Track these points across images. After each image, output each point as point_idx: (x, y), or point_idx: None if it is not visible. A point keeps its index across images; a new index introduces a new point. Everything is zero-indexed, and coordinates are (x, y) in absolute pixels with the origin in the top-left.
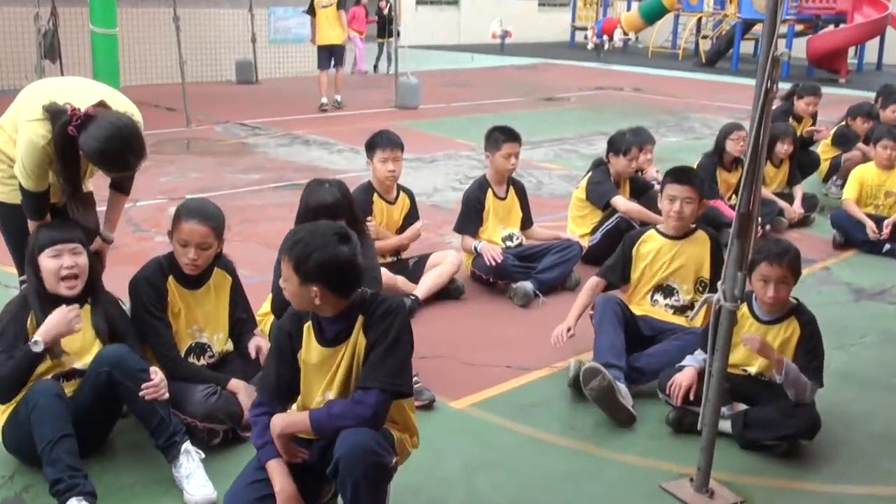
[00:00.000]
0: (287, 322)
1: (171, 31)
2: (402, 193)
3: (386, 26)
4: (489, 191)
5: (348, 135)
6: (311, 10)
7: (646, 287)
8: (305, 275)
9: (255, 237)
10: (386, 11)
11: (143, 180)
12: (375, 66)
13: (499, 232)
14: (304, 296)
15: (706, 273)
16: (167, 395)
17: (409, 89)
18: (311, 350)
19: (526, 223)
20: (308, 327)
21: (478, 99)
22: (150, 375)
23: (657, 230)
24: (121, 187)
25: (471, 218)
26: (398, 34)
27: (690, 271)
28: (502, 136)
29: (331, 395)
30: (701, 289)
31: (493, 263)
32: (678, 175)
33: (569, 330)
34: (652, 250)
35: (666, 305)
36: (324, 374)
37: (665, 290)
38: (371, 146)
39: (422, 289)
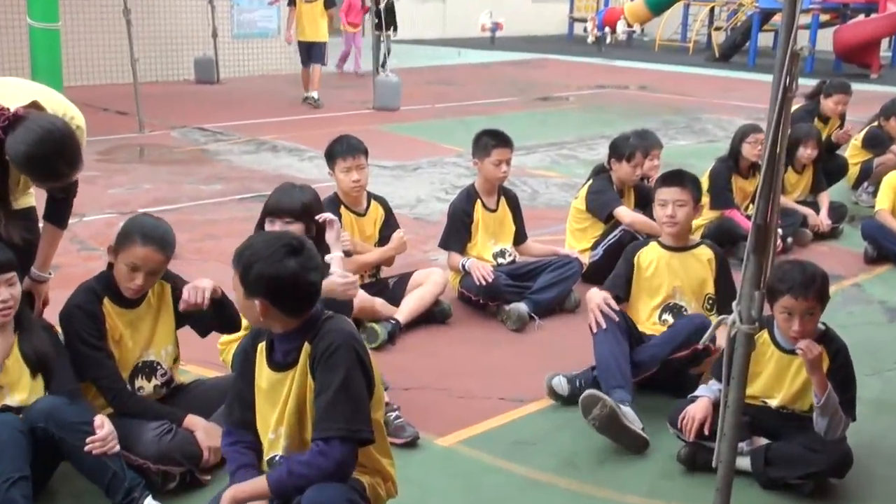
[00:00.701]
0: (245, 340)
1: (121, 25)
2: (373, 203)
3: (383, 18)
4: (478, 202)
5: (321, 140)
6: (292, 1)
7: (650, 304)
8: (248, 287)
9: (217, 255)
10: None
11: (91, 192)
12: (383, 64)
13: (489, 248)
14: (249, 309)
15: (712, 290)
16: (117, 448)
17: (388, 89)
18: (262, 373)
19: (519, 238)
20: (262, 347)
21: (465, 99)
22: (95, 428)
23: (658, 242)
24: (57, 215)
25: (458, 232)
26: (395, 28)
27: (695, 287)
28: (492, 141)
29: (283, 432)
30: (709, 306)
31: (484, 283)
32: (668, 178)
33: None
34: (652, 262)
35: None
36: (274, 403)
37: (673, 309)
38: (330, 155)
39: (403, 312)
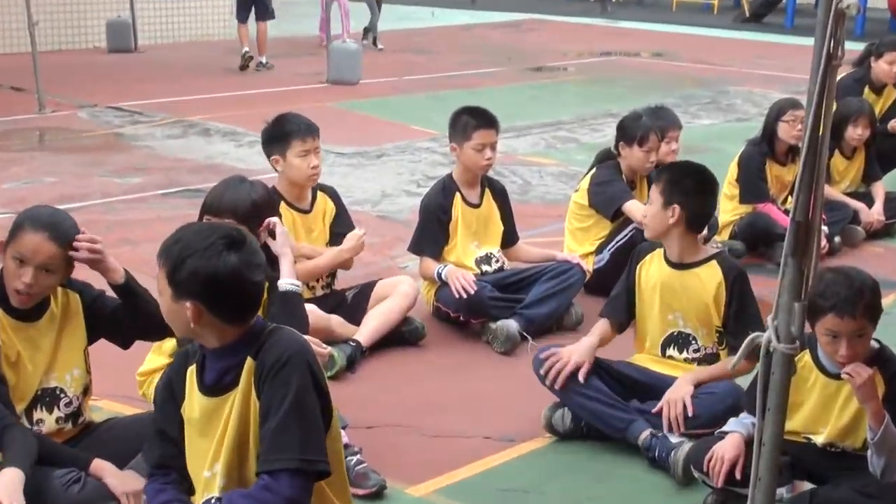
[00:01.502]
0: (171, 367)
1: None
2: (319, 196)
3: None
4: (457, 196)
5: (263, 121)
6: None
7: (653, 334)
8: (178, 287)
9: (136, 263)
10: None
11: None
12: (368, 34)
13: (471, 252)
14: (178, 315)
15: (716, 319)
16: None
17: (345, 58)
18: (193, 401)
19: (508, 239)
20: (191, 372)
21: (441, 70)
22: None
23: (665, 255)
24: None
25: (432, 233)
26: None
27: (702, 313)
28: (474, 121)
29: (220, 469)
30: (719, 340)
31: (464, 295)
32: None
33: (577, 367)
34: (652, 278)
35: (686, 360)
36: (209, 435)
37: (679, 340)
38: (279, 136)
39: (366, 331)
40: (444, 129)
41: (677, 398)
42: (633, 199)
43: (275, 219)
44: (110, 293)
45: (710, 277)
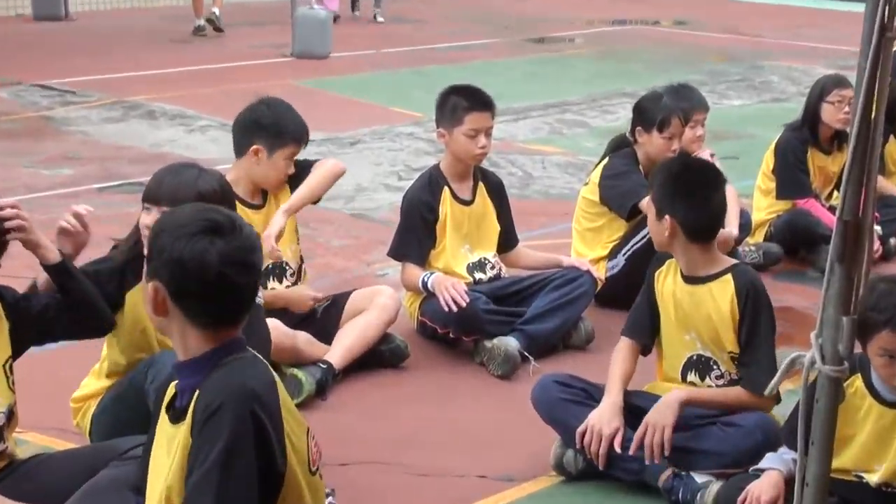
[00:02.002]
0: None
1: None
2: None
3: None
4: (446, 191)
5: (218, 102)
6: None
7: (672, 357)
8: (149, 262)
9: None
10: None
11: None
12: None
13: (462, 257)
14: (146, 298)
15: (731, 343)
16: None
17: (312, 27)
18: (162, 423)
19: (506, 242)
20: (174, 385)
21: (426, 41)
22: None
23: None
24: None
25: (416, 235)
26: None
27: (714, 334)
28: (465, 103)
29: None
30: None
31: (455, 308)
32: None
33: (617, 430)
34: (668, 291)
35: (709, 388)
36: (159, 473)
37: (699, 365)
38: (277, 133)
39: (338, 351)
40: (430, 111)
41: (659, 423)
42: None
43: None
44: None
45: (722, 294)
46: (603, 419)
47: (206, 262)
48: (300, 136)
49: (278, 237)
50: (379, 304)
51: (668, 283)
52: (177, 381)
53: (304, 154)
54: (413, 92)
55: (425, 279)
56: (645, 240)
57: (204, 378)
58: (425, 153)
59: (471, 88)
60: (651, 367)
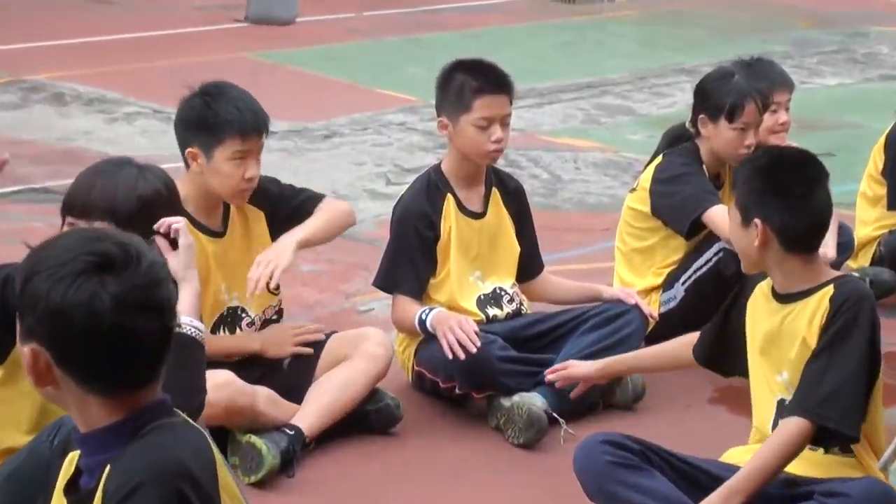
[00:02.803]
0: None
1: None
2: (247, 209)
3: None
4: (449, 200)
5: (149, 81)
6: None
7: (763, 409)
8: (22, 318)
9: None
10: None
11: None
12: None
13: (471, 287)
14: (26, 364)
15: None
16: None
17: None
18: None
19: (528, 267)
20: (72, 458)
21: (423, 1)
22: None
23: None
24: None
25: (411, 259)
26: None
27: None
28: (474, 83)
29: None
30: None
31: (461, 355)
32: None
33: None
34: (759, 320)
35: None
36: None
37: (781, 409)
38: (213, 126)
39: (311, 413)
40: (428, 94)
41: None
42: (719, 202)
43: (179, 220)
44: None
45: (813, 311)
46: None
47: (97, 311)
48: (242, 125)
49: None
50: (364, 351)
51: (758, 310)
52: (79, 456)
53: (268, 148)
54: (405, 68)
55: (423, 317)
56: (711, 264)
57: (117, 451)
58: (422, 149)
59: (482, 64)
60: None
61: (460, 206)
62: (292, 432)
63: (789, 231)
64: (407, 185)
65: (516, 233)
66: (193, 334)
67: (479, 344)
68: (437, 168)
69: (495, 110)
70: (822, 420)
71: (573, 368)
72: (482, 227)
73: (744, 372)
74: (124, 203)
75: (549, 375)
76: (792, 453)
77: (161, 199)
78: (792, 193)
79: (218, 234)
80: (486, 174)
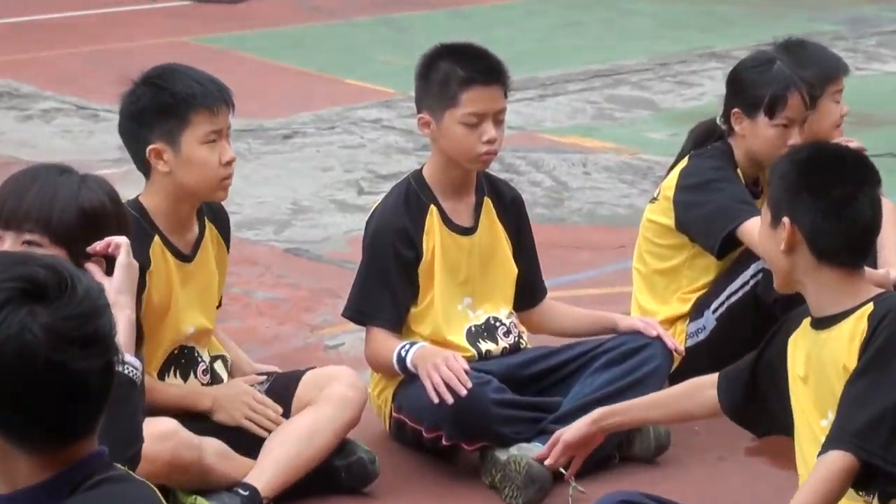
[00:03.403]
0: None
1: None
2: (208, 229)
3: None
4: (432, 213)
5: (71, 72)
6: None
7: (808, 458)
8: None
9: None
10: None
11: None
12: None
13: (461, 317)
14: None
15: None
16: None
17: None
18: None
19: (529, 292)
20: None
21: None
22: None
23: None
24: None
25: (388, 284)
26: None
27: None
28: (461, 72)
29: None
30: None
31: (449, 399)
32: None
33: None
34: (801, 357)
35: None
36: None
37: None
38: (172, 107)
39: (268, 470)
40: (407, 85)
41: None
42: (757, 213)
43: (121, 241)
44: None
45: (851, 333)
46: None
47: (29, 346)
48: (207, 97)
49: None
50: (332, 395)
51: (800, 345)
52: None
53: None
54: (379, 55)
55: (403, 353)
56: (748, 288)
57: None
58: (400, 152)
59: (471, 49)
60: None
61: (446, 219)
62: (246, 493)
63: (820, 237)
64: (383, 195)
65: (513, 251)
66: (128, 372)
67: (469, 385)
68: (417, 174)
69: (487, 105)
70: (863, 453)
71: (564, 434)
72: (472, 244)
73: (784, 429)
74: (63, 215)
75: (547, 461)
76: (833, 495)
77: (105, 213)
78: (828, 194)
79: (186, 259)
80: (477, 181)
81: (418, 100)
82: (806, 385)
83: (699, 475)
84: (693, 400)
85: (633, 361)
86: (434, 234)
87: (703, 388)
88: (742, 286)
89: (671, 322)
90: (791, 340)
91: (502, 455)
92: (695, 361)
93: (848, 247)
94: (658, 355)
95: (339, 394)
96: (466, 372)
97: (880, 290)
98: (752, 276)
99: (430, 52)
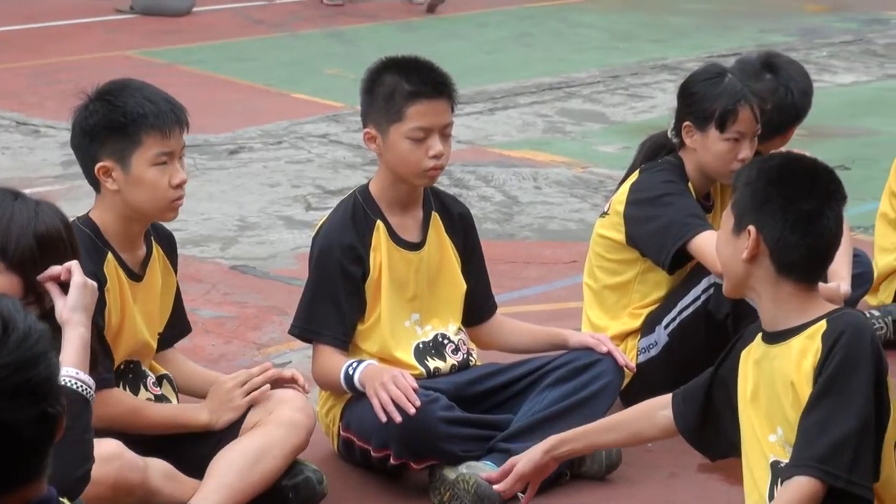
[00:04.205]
0: None
1: None
2: (155, 249)
3: None
4: (379, 228)
5: (10, 86)
6: None
7: (757, 469)
8: None
9: None
10: None
11: None
12: None
13: (408, 333)
14: None
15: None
16: None
17: None
18: None
19: (479, 308)
20: None
21: None
22: None
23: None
24: None
25: (334, 301)
26: None
27: (791, 418)
28: (406, 86)
29: None
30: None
31: (397, 418)
32: None
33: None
34: (751, 372)
35: None
36: None
37: (773, 469)
38: (123, 126)
39: (214, 493)
40: (354, 98)
41: None
42: (709, 228)
43: (74, 266)
44: None
45: (802, 351)
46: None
47: None
48: (159, 118)
49: None
50: (280, 418)
51: (751, 359)
52: None
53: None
54: (327, 67)
55: (350, 371)
56: (699, 303)
57: None
58: (348, 167)
59: (416, 63)
60: None
61: (393, 235)
62: None
63: (785, 249)
64: (328, 213)
65: (462, 267)
66: (81, 390)
67: (418, 403)
68: (364, 190)
69: (432, 119)
70: (829, 477)
71: (518, 465)
72: (420, 260)
73: (738, 451)
74: (21, 240)
75: (500, 488)
76: None
77: (60, 239)
78: (798, 207)
79: (137, 277)
80: (425, 196)
81: (364, 114)
82: (755, 400)
83: (651, 492)
84: (647, 422)
85: (583, 378)
86: (381, 249)
87: (657, 409)
88: (694, 301)
89: (622, 338)
90: (744, 354)
91: (451, 474)
92: (647, 377)
93: (810, 261)
94: (608, 371)
95: (288, 417)
96: (415, 390)
97: (833, 307)
98: (704, 291)
99: (375, 65)
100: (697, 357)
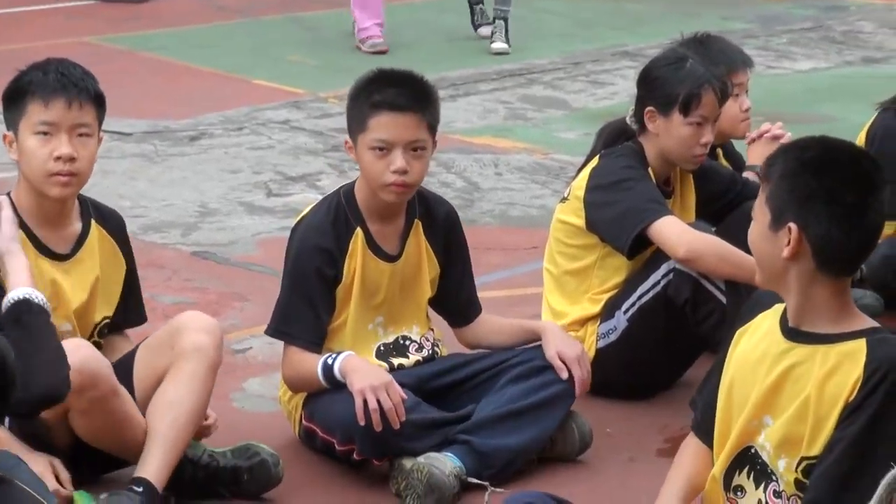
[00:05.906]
0: None
1: None
2: (93, 227)
3: None
4: (358, 236)
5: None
6: None
7: (722, 447)
8: None
9: None
10: None
11: None
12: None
13: (370, 336)
14: None
15: (817, 444)
16: None
17: None
18: None
19: (465, 310)
20: None
21: None
22: None
23: (783, 315)
24: None
25: (311, 303)
26: None
27: (795, 427)
28: (376, 96)
29: None
30: (803, 476)
31: (378, 427)
32: None
33: None
34: (752, 353)
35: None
36: None
37: (757, 466)
38: (13, 98)
39: (152, 455)
40: (315, 84)
41: None
42: (668, 213)
43: (3, 201)
44: None
45: (829, 372)
46: None
47: None
48: (42, 87)
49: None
50: (184, 350)
51: (749, 340)
52: None
53: (119, 153)
54: (289, 53)
55: (329, 361)
56: (659, 288)
57: None
58: (310, 153)
59: (395, 75)
60: None
61: (371, 244)
62: (140, 489)
63: (830, 247)
64: (292, 196)
65: (443, 269)
66: (42, 303)
67: (404, 418)
68: (348, 192)
69: (394, 133)
70: None
71: None
72: (394, 271)
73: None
74: None
75: None
76: None
77: None
78: (844, 201)
79: (63, 258)
80: (410, 201)
81: (346, 123)
82: (745, 380)
83: (610, 476)
84: (696, 469)
85: (540, 379)
86: (357, 257)
87: (690, 454)
88: (653, 286)
89: (582, 323)
90: (739, 332)
91: (408, 463)
92: (606, 362)
93: (853, 256)
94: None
95: (192, 344)
96: (403, 401)
97: (870, 324)
98: (664, 276)
99: (365, 75)
100: (657, 342)
